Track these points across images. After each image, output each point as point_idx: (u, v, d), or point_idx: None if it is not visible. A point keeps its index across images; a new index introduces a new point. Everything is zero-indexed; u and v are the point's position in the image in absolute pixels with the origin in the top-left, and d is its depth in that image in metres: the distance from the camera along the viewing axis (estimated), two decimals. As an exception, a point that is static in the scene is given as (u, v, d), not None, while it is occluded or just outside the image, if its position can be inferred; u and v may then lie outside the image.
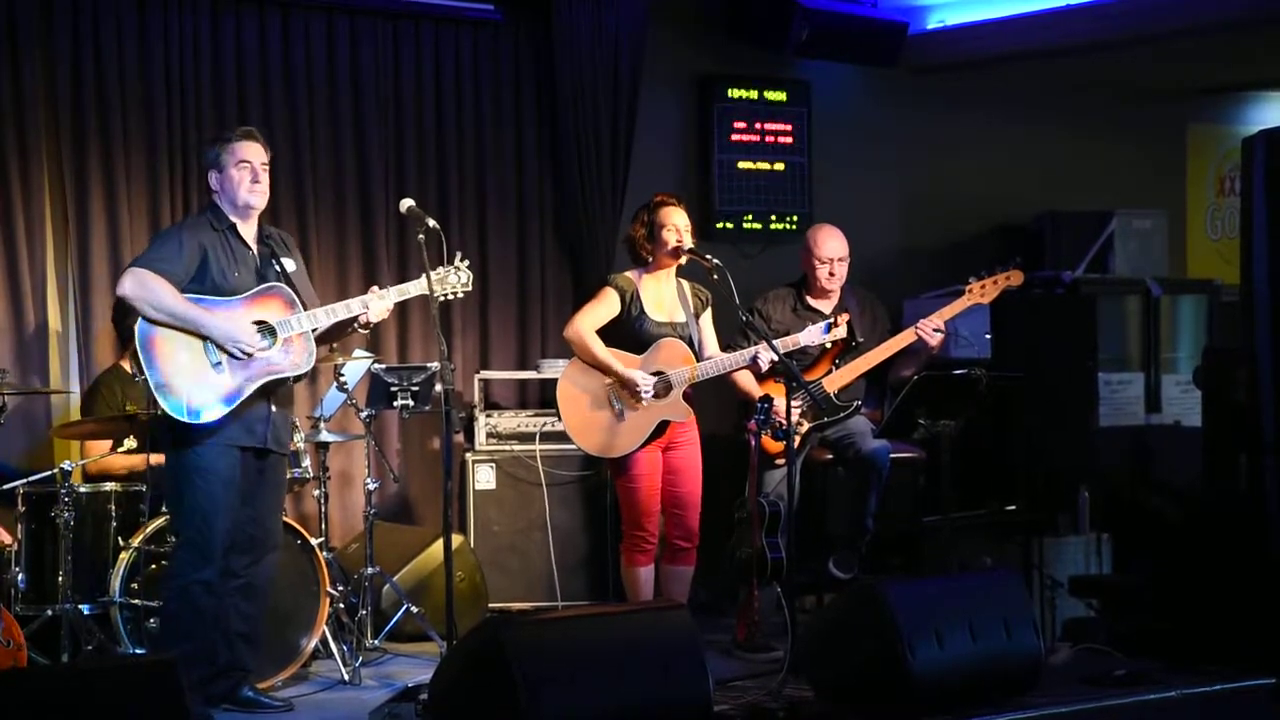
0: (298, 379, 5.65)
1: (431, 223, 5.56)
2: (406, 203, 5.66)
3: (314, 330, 5.59)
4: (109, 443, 6.26)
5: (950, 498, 6.72)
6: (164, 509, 5.94)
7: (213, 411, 5.40)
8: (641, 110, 7.90)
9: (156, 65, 6.99)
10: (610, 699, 4.72)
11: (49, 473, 6.19)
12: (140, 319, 5.37)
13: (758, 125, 8.41)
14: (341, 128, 7.43)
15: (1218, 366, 6.80)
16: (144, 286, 5.36)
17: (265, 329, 5.50)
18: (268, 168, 5.64)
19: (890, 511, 7.08)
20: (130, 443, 6.17)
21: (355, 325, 5.70)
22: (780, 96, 8.48)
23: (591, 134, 7.75)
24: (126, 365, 6.56)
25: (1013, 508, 7.53)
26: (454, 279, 5.68)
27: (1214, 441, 6.74)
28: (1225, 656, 5.89)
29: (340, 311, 5.61)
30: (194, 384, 5.38)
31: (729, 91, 8.36)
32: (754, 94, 8.42)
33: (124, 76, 6.92)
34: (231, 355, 5.40)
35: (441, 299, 5.67)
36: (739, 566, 6.56)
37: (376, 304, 5.64)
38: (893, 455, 6.83)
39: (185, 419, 5.36)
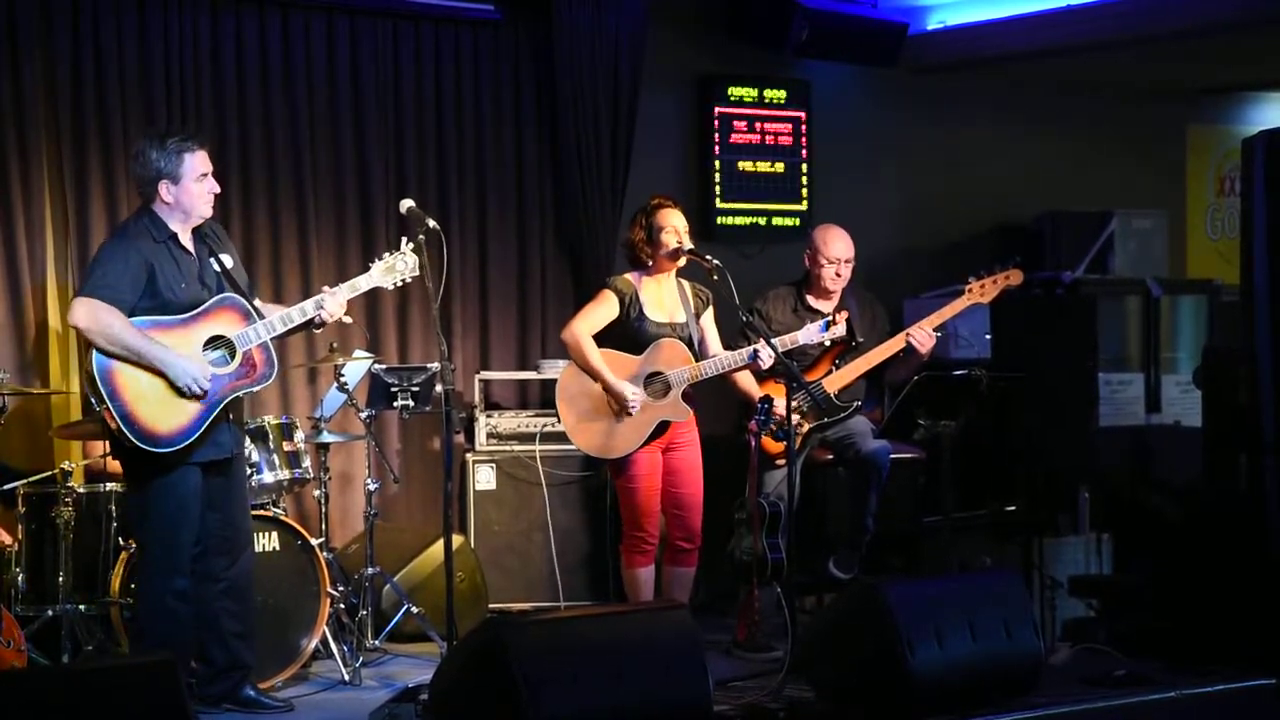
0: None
1: (431, 223, 5.56)
2: (406, 203, 5.65)
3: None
4: (109, 443, 6.24)
5: (950, 498, 6.72)
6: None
7: (181, 438, 5.32)
8: (641, 110, 7.90)
9: (156, 65, 6.98)
10: (610, 699, 4.72)
11: (49, 473, 6.19)
12: (95, 350, 5.25)
13: (758, 125, 8.41)
14: (341, 128, 7.43)
15: (1218, 366, 6.79)
16: (96, 319, 5.23)
17: (223, 344, 5.42)
18: None
19: (890, 511, 7.08)
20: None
21: (312, 326, 5.62)
22: (780, 96, 8.48)
23: (591, 134, 7.75)
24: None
25: (1013, 508, 7.52)
26: (401, 265, 5.61)
27: (1214, 441, 6.74)
28: (1225, 656, 5.88)
29: (295, 316, 5.54)
30: (160, 411, 5.29)
31: (729, 91, 8.36)
32: (754, 94, 8.42)
33: (124, 76, 6.92)
34: (183, 393, 5.30)
35: (393, 286, 5.65)
36: (739, 567, 6.56)
37: (330, 303, 5.56)
38: (893, 455, 6.83)
39: (156, 448, 5.29)
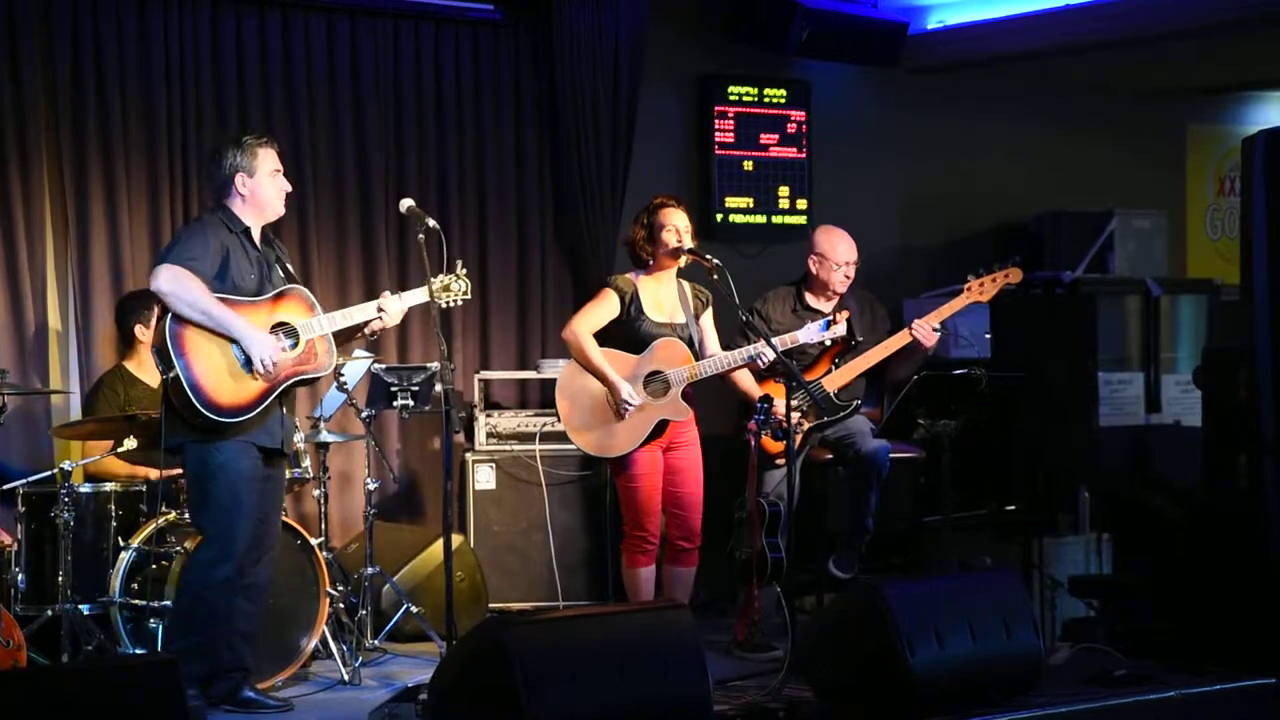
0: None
1: (431, 222, 5.57)
2: (406, 203, 5.67)
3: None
4: (109, 443, 6.25)
5: (950, 498, 6.72)
6: (183, 507, 5.99)
7: (243, 410, 5.40)
8: (641, 110, 7.90)
9: (156, 65, 6.98)
10: (610, 699, 4.72)
11: (49, 473, 6.19)
12: (170, 315, 5.35)
13: (758, 125, 8.41)
14: (341, 128, 7.43)
15: (1218, 366, 6.80)
16: (179, 283, 5.33)
17: (288, 331, 5.52)
18: None
19: (890, 511, 7.08)
20: (130, 443, 6.16)
21: (363, 330, 5.72)
22: (780, 96, 8.48)
23: (591, 134, 7.75)
24: (130, 365, 6.57)
25: (1013, 508, 7.53)
26: (456, 286, 5.72)
27: (1214, 441, 6.75)
28: (1225, 656, 5.89)
29: (356, 315, 5.65)
30: (225, 384, 5.38)
31: (729, 91, 8.36)
32: (754, 94, 8.42)
33: (124, 76, 6.92)
34: (251, 368, 5.39)
35: (444, 305, 5.71)
36: (739, 567, 6.56)
37: (391, 307, 5.66)
38: (893, 455, 6.82)
39: (216, 417, 5.36)
